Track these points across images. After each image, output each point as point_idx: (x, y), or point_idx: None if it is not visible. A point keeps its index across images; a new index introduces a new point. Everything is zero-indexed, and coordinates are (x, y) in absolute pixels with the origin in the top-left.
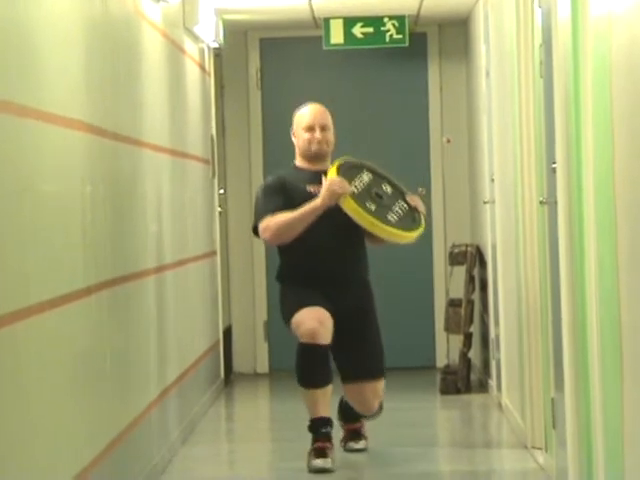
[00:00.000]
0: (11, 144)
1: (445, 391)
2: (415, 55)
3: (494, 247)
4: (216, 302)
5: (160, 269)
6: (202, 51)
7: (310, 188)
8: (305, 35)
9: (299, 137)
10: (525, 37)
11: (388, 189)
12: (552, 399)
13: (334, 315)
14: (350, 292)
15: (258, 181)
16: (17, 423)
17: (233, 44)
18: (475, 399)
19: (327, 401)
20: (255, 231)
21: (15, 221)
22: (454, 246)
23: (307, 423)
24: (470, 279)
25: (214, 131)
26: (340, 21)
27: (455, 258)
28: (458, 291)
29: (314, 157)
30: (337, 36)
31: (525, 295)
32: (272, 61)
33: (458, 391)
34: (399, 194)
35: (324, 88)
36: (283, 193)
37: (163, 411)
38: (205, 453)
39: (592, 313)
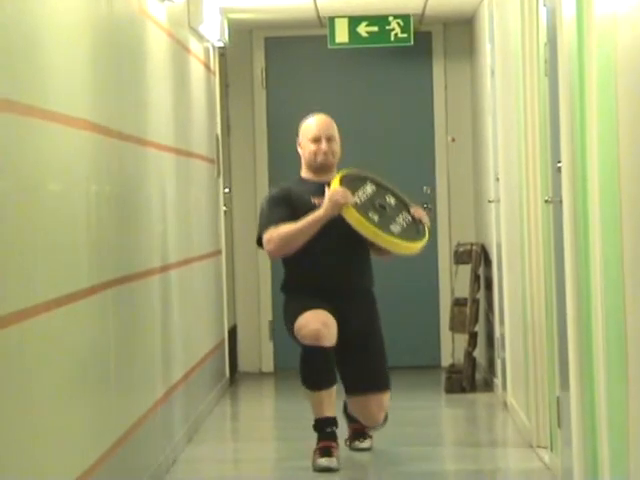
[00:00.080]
0: (17, 143)
1: (450, 390)
2: (420, 54)
3: (499, 246)
4: (221, 301)
5: (165, 268)
6: (207, 50)
7: (314, 199)
8: (310, 34)
9: (305, 148)
10: (530, 36)
11: (392, 201)
12: (557, 398)
13: (339, 327)
14: (355, 304)
15: (263, 180)
16: (22, 421)
17: (238, 43)
18: (480, 398)
19: (332, 401)
20: (259, 243)
21: (20, 220)
22: (459, 245)
23: (312, 422)
24: (475, 278)
25: (219, 130)
26: (345, 20)
27: (460, 257)
28: (463, 290)
29: (320, 168)
30: (342, 35)
31: (530, 294)
32: (277, 60)
33: (463, 390)
34: (403, 206)
35: (329, 87)
36: (287, 205)
37: (168, 410)
38: (210, 452)
39: (597, 312)
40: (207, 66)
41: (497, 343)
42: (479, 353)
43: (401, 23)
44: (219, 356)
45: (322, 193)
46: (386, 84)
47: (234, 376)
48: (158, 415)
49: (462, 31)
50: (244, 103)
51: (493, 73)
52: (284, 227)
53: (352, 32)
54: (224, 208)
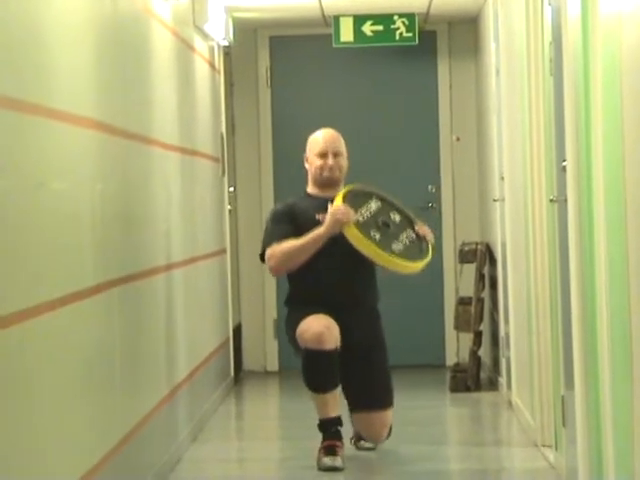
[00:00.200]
0: (21, 142)
1: (455, 389)
2: (425, 53)
3: (504, 245)
4: (226, 300)
5: (170, 267)
6: (212, 49)
7: (319, 215)
8: (315, 33)
9: (312, 163)
10: (535, 35)
11: (396, 217)
12: (562, 397)
13: (342, 339)
14: (359, 320)
15: (268, 179)
16: (26, 420)
17: (243, 42)
18: (485, 397)
19: (336, 401)
20: (262, 258)
21: (25, 219)
22: (464, 244)
23: (317, 422)
24: (480, 277)
25: (224, 129)
26: (350, 19)
27: (465, 256)
28: (468, 289)
29: (325, 183)
30: (347, 34)
31: (535, 293)
32: (282, 59)
33: (468, 389)
34: (408, 223)
35: (334, 86)
36: (291, 221)
37: (173, 409)
38: (215, 451)
39: (602, 311)
40: (212, 65)
41: (502, 342)
42: (484, 352)
43: (406, 22)
44: (224, 355)
45: (327, 209)
46: (391, 83)
47: (239, 375)
48: (163, 414)
49: (467, 30)
50: (249, 102)
51: (498, 72)
52: (286, 244)
53: (357, 31)
54: (229, 207)
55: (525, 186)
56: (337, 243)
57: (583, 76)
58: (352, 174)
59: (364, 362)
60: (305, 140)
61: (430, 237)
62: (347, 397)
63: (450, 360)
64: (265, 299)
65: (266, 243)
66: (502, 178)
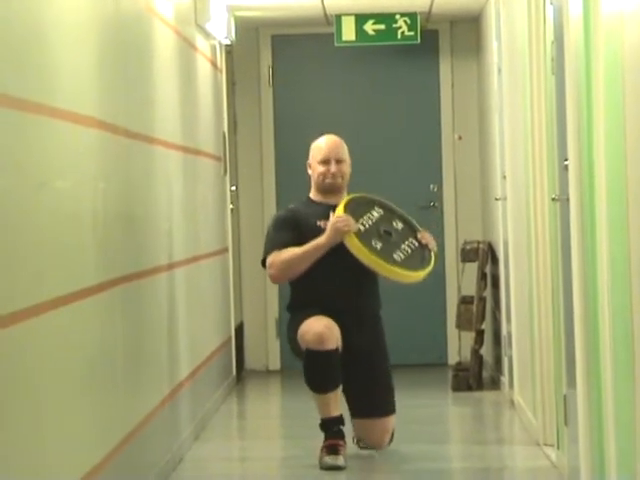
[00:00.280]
0: (24, 141)
1: (457, 388)
2: (427, 52)
3: (506, 244)
4: (228, 299)
5: (172, 266)
6: (214, 48)
7: (320, 222)
8: (317, 32)
9: (314, 170)
10: (537, 34)
11: (399, 225)
12: (564, 396)
13: (343, 343)
14: (361, 328)
15: (270, 178)
16: (28, 419)
17: (245, 41)
18: (487, 396)
19: (338, 400)
20: (264, 265)
21: (27, 218)
22: (466, 243)
23: (318, 421)
24: (482, 276)
25: (226, 128)
26: (352, 18)
27: (467, 255)
28: (470, 288)
29: (328, 190)
30: (349, 33)
31: (537, 292)
32: (284, 58)
33: (470, 388)
34: (410, 231)
35: (335, 85)
36: (293, 228)
37: (175, 408)
38: (217, 450)
39: (604, 310)
40: (214, 64)
41: (504, 341)
42: (486, 351)
43: (408, 21)
44: (226, 354)
45: (329, 216)
46: (393, 82)
47: (241, 374)
48: (165, 413)
49: (469, 29)
50: (251, 101)
51: (500, 71)
52: (286, 252)
53: (359, 30)
54: (231, 206)
55: (527, 185)
56: (339, 251)
57: (585, 75)
58: (354, 173)
59: (365, 368)
60: (307, 139)
61: (432, 245)
62: (348, 403)
63: (452, 359)
64: (267, 298)
65: (267, 251)
66: (504, 177)
